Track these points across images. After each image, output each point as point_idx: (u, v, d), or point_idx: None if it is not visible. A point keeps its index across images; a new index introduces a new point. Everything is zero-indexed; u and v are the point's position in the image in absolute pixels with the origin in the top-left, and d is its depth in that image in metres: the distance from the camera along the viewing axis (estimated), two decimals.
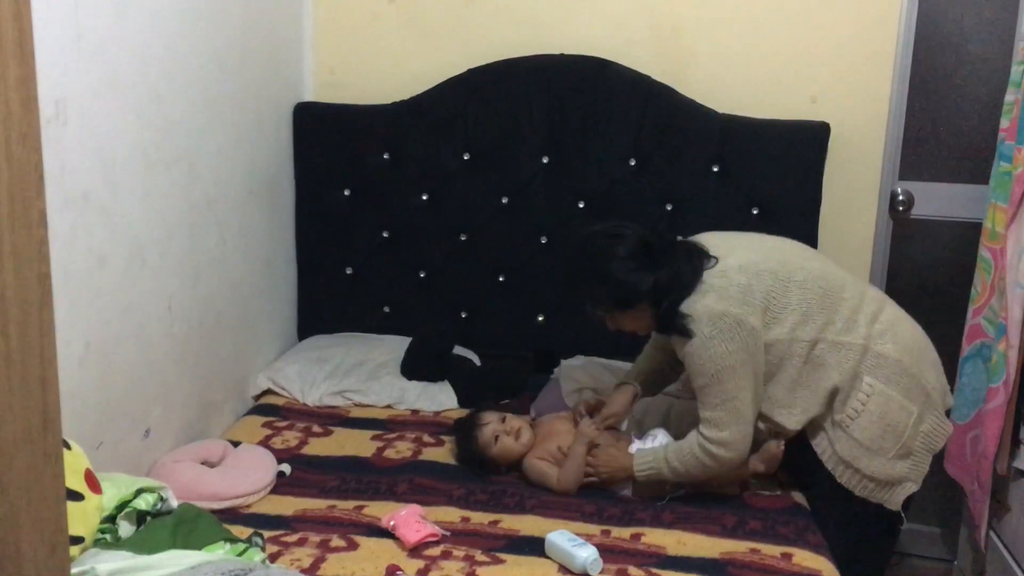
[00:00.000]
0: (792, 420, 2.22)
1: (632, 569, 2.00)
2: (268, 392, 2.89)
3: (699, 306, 2.15)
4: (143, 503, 1.85)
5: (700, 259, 2.22)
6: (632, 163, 2.94)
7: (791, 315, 2.18)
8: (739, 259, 2.21)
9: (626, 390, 2.47)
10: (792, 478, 2.40)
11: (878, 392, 2.18)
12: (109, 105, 2.06)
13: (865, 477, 2.21)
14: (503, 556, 2.03)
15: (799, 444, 2.30)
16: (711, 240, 2.29)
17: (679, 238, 2.32)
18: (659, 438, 2.37)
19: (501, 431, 2.40)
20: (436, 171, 3.05)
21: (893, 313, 2.29)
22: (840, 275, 2.29)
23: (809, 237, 2.76)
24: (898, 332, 2.24)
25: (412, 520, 2.09)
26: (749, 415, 2.19)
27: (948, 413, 2.34)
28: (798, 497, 2.35)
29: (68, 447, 1.69)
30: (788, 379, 2.20)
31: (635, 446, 2.36)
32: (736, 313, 2.13)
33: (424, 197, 3.07)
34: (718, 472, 2.25)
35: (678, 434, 2.39)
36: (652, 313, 2.23)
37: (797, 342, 2.18)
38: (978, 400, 2.67)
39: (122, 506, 1.83)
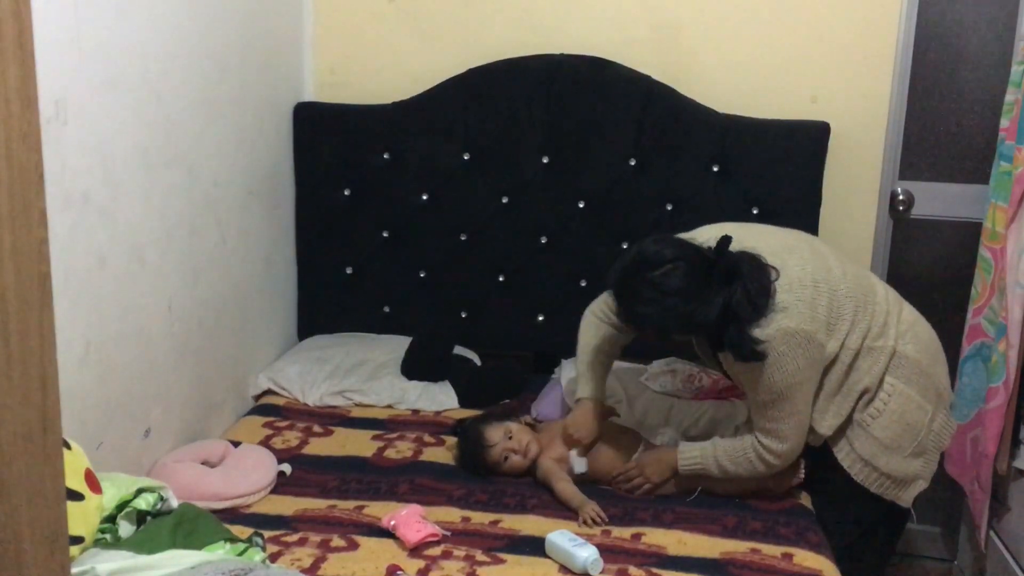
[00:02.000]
0: (825, 425, 2.22)
1: (632, 569, 2.00)
2: (268, 392, 2.89)
3: (772, 326, 2.07)
4: (143, 503, 1.85)
5: (767, 275, 2.09)
6: (632, 163, 2.94)
7: (844, 326, 2.15)
8: (795, 270, 2.13)
9: (585, 405, 2.39)
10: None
11: (899, 392, 2.20)
12: (109, 105, 2.06)
13: (883, 475, 2.22)
14: (503, 556, 2.03)
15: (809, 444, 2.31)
16: (748, 239, 2.16)
17: (731, 247, 2.09)
18: (668, 435, 2.36)
19: (509, 450, 2.38)
20: (436, 171, 3.05)
21: (911, 313, 2.30)
22: (868, 277, 2.29)
23: None
24: (917, 332, 2.26)
25: (412, 520, 2.09)
26: (808, 425, 2.19)
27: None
28: (799, 497, 2.35)
29: (68, 447, 1.69)
30: (830, 387, 2.19)
31: (645, 442, 2.36)
32: (807, 330, 2.09)
33: (424, 197, 3.07)
34: (764, 475, 2.26)
35: (680, 433, 2.39)
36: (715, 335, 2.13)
37: (844, 350, 2.16)
38: (978, 400, 2.67)
39: (122, 506, 1.83)
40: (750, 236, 2.20)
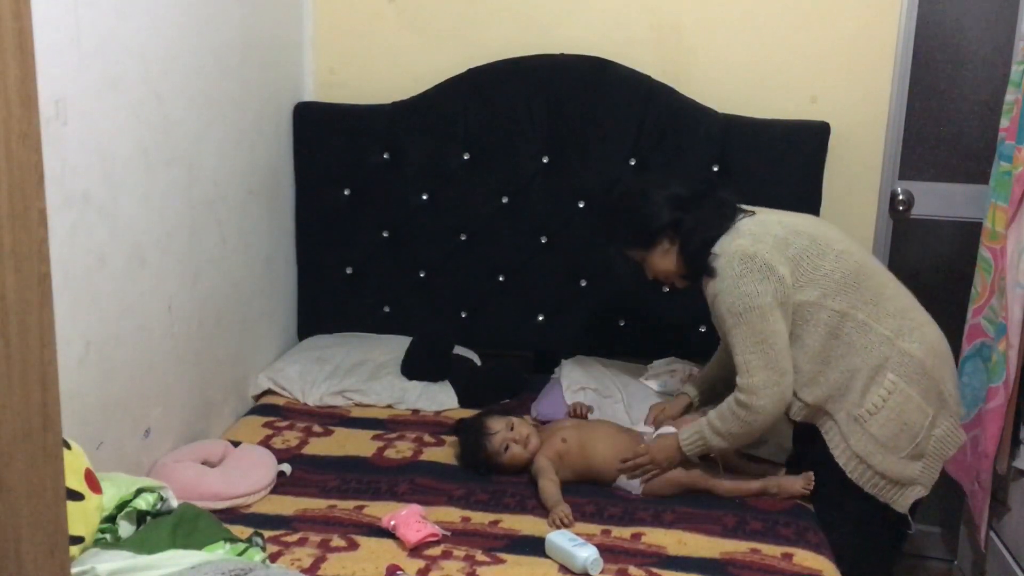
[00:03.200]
0: (809, 394, 2.23)
1: (632, 569, 2.00)
2: (268, 392, 2.89)
3: (732, 246, 2.17)
4: (143, 503, 1.85)
5: (731, 206, 2.28)
6: (632, 163, 2.94)
7: (823, 280, 2.18)
8: (780, 217, 2.27)
9: (681, 399, 2.57)
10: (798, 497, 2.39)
11: (899, 390, 2.19)
12: (109, 105, 2.06)
13: (877, 474, 2.22)
14: (503, 556, 2.03)
15: (806, 442, 2.31)
16: (754, 207, 2.33)
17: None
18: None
19: (510, 440, 2.38)
20: (436, 171, 3.05)
21: (922, 314, 2.30)
22: (878, 264, 2.33)
23: None
24: (925, 333, 2.25)
25: (412, 520, 2.09)
26: (782, 363, 2.16)
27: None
28: (799, 498, 2.35)
29: (68, 447, 1.69)
30: (813, 350, 2.20)
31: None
32: (767, 258, 2.14)
33: (424, 197, 3.07)
34: (756, 424, 2.21)
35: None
36: (678, 255, 2.27)
37: (825, 309, 2.18)
38: (978, 400, 2.67)
39: (122, 506, 1.83)
40: (759, 208, 2.34)
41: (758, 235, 2.19)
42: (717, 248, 2.19)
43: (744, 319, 2.15)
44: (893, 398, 2.19)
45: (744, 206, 2.31)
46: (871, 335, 2.19)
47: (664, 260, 2.29)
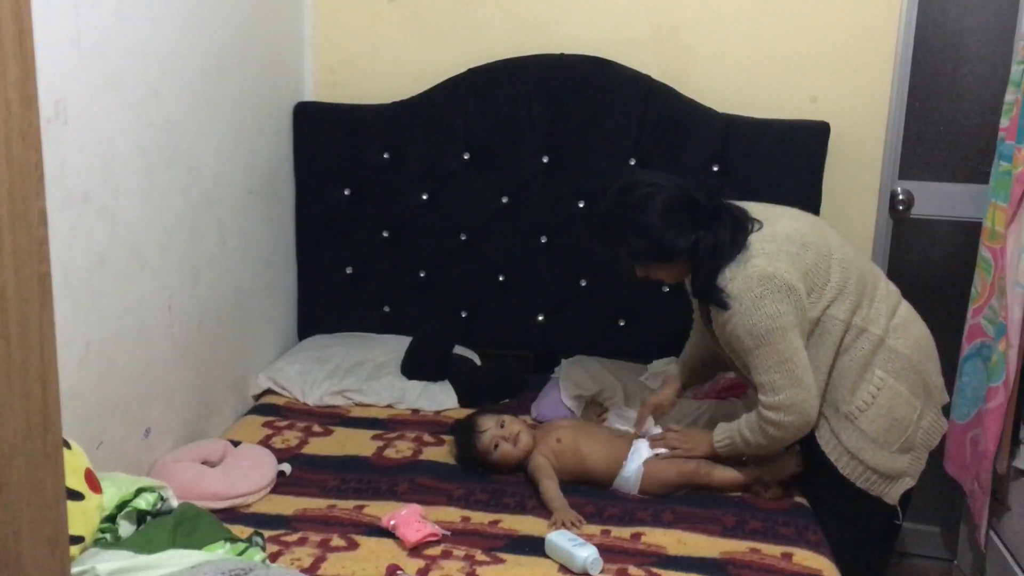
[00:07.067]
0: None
1: (632, 569, 2.00)
2: (268, 392, 2.89)
3: (748, 267, 2.11)
4: (143, 503, 1.85)
5: (744, 223, 2.18)
6: (632, 163, 2.94)
7: (829, 292, 2.17)
8: (785, 228, 2.19)
9: (671, 384, 2.51)
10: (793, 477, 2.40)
11: (888, 386, 2.20)
12: (109, 105, 2.06)
13: (868, 469, 2.23)
14: (503, 556, 2.03)
15: (799, 441, 2.31)
16: (749, 207, 2.25)
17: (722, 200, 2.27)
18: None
19: (499, 437, 2.39)
20: (436, 171, 3.05)
21: (907, 309, 2.31)
22: (868, 263, 2.32)
23: None
24: (909, 328, 2.27)
25: (412, 520, 2.09)
26: (806, 378, 2.14)
27: (946, 411, 2.37)
28: (799, 497, 2.35)
29: (68, 447, 1.69)
30: (821, 363, 2.19)
31: (637, 442, 2.37)
32: (786, 277, 2.10)
33: (424, 197, 3.07)
34: (783, 439, 2.21)
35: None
36: (686, 268, 2.22)
37: (830, 319, 2.17)
38: (978, 400, 2.67)
39: (122, 506, 1.83)
40: (751, 204, 2.27)
41: (773, 253, 2.13)
42: (728, 273, 2.12)
43: (766, 340, 2.10)
44: (882, 394, 2.20)
45: (744, 207, 2.25)
46: (863, 338, 2.20)
47: (668, 272, 2.26)
